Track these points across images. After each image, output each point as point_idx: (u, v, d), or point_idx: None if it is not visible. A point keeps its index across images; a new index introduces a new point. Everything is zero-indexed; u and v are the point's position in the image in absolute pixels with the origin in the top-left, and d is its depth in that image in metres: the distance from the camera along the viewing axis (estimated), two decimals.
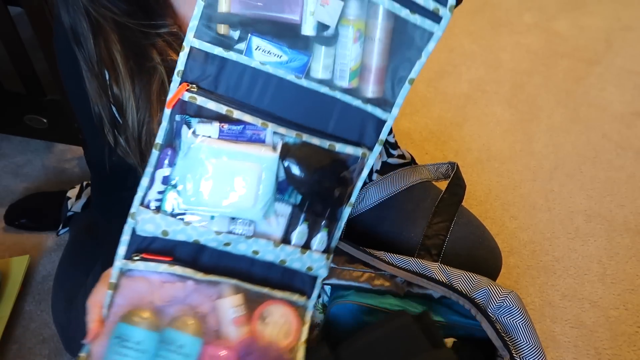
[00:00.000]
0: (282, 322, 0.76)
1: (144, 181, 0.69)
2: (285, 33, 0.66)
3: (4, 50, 1.28)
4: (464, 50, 2.14)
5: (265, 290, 0.75)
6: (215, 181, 0.68)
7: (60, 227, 1.36)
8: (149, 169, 0.69)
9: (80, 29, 0.76)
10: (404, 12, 0.65)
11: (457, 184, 0.99)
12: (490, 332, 0.73)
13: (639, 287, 1.33)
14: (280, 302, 0.76)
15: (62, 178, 1.55)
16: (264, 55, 0.67)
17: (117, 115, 0.80)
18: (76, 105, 0.89)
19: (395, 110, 0.72)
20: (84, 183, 1.38)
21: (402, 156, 1.13)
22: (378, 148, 0.74)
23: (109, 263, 0.72)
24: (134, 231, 0.70)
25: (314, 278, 0.78)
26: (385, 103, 0.71)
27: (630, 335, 1.24)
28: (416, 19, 0.65)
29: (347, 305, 0.83)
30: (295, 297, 0.77)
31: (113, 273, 0.71)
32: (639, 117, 1.83)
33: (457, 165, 1.01)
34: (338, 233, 0.77)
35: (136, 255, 0.71)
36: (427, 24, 0.66)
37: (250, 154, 0.68)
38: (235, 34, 0.66)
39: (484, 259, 0.97)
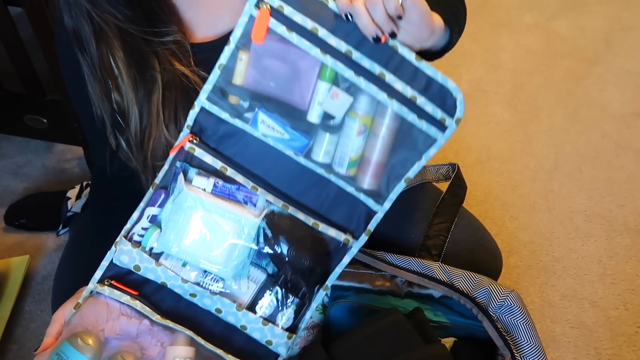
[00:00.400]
0: None
1: (135, 215, 0.73)
2: (291, 114, 0.69)
3: (4, 50, 1.28)
4: (464, 51, 2.14)
5: (219, 352, 0.72)
6: (194, 231, 0.70)
7: (60, 228, 1.36)
8: (141, 205, 0.73)
9: (83, 32, 0.76)
10: (411, 117, 0.66)
11: (458, 185, 0.99)
12: (491, 331, 0.73)
13: (639, 287, 1.33)
14: None
15: (62, 178, 1.55)
16: (267, 129, 0.70)
17: (119, 119, 0.80)
18: (79, 107, 0.89)
19: (387, 205, 0.72)
20: (84, 183, 1.38)
21: None
22: (364, 239, 0.73)
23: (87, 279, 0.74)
24: (112, 259, 0.73)
25: (276, 354, 0.75)
26: (378, 195, 0.72)
27: (630, 335, 1.24)
28: (422, 124, 0.66)
29: (347, 305, 0.83)
30: None
31: (83, 294, 0.73)
32: (639, 118, 1.83)
33: (457, 166, 1.01)
34: (307, 315, 0.74)
35: (107, 281, 0.73)
36: (432, 131, 0.66)
37: (234, 213, 0.70)
38: (245, 103, 0.69)
39: (485, 260, 0.97)
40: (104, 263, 0.73)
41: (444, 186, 1.02)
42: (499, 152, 1.71)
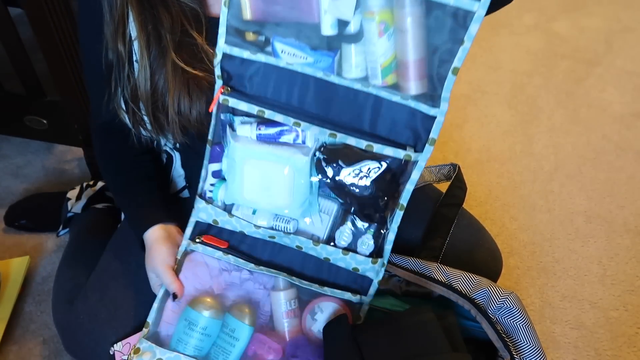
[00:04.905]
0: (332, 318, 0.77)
1: (203, 173, 0.77)
2: (306, 33, 0.65)
3: (3, 51, 1.28)
4: None
5: (315, 287, 0.77)
6: (251, 180, 0.72)
7: (60, 228, 1.35)
8: (205, 162, 0.76)
9: None
10: None
11: (458, 186, 0.99)
12: (490, 333, 0.73)
13: (639, 288, 1.33)
14: (332, 299, 0.77)
15: (62, 179, 1.55)
16: (289, 57, 0.67)
17: (127, 68, 0.80)
18: (87, 56, 0.88)
19: (444, 105, 0.64)
20: (84, 184, 1.38)
21: None
22: (429, 149, 0.67)
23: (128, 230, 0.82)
24: (196, 219, 0.78)
25: (369, 279, 0.77)
26: (431, 98, 0.64)
27: (630, 336, 1.23)
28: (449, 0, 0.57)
29: None
30: (348, 295, 0.77)
31: (180, 250, 0.79)
32: (638, 118, 1.83)
33: (458, 167, 1.01)
34: (390, 236, 0.75)
35: (198, 238, 0.78)
36: (463, 2, 0.57)
37: (281, 155, 0.70)
38: (262, 37, 0.68)
39: (484, 261, 0.96)
40: (192, 220, 0.78)
41: (444, 187, 1.02)
42: (499, 153, 1.71)
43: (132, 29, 0.78)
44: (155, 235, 0.82)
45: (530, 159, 1.69)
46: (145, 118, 0.82)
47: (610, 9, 2.40)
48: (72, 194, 1.36)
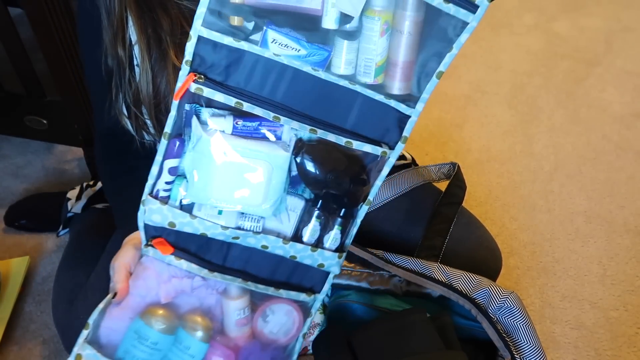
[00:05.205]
0: (284, 321, 0.76)
1: (154, 169, 0.68)
2: (305, 25, 0.62)
3: (4, 51, 1.28)
4: (464, 51, 2.14)
5: (270, 290, 0.74)
6: (224, 176, 0.66)
7: (60, 228, 1.35)
8: (158, 158, 0.68)
9: None
10: (437, 1, 0.60)
11: (458, 185, 0.99)
12: (491, 333, 0.73)
13: (639, 288, 1.33)
14: (284, 301, 0.75)
15: (62, 179, 1.55)
16: (280, 48, 0.63)
17: (127, 73, 0.80)
18: (88, 62, 0.88)
19: (420, 106, 0.67)
20: (84, 184, 1.38)
21: (402, 157, 1.13)
22: (401, 146, 0.69)
23: (125, 233, 0.76)
24: (144, 221, 0.71)
25: (326, 274, 0.76)
26: (409, 98, 0.67)
27: (630, 336, 1.23)
28: (449, 8, 0.60)
29: (347, 305, 0.83)
30: (302, 297, 0.76)
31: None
32: (638, 118, 1.83)
33: (458, 166, 1.01)
34: (353, 231, 0.74)
35: (150, 241, 0.71)
36: (461, 13, 0.60)
37: (261, 151, 0.66)
38: (250, 25, 0.63)
39: (484, 259, 0.97)
40: (140, 224, 0.71)
41: (443, 186, 1.02)
42: (499, 153, 1.71)
43: (132, 34, 0.78)
44: (133, 237, 0.78)
45: (530, 159, 1.69)
46: (148, 122, 0.82)
47: (610, 9, 2.40)
48: (72, 194, 1.36)
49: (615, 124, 1.81)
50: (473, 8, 0.60)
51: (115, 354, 0.70)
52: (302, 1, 0.60)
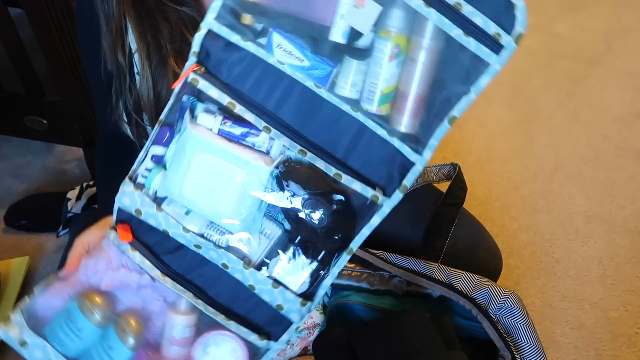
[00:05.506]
0: (227, 358, 0.66)
1: (141, 154, 0.66)
2: (312, 34, 0.59)
3: (3, 51, 1.28)
4: None
5: (220, 317, 0.65)
6: (197, 175, 0.62)
7: (60, 229, 1.35)
8: (147, 143, 0.65)
9: None
10: (455, 32, 0.53)
11: (459, 186, 0.99)
12: (491, 333, 0.73)
13: (639, 289, 1.33)
14: (233, 336, 0.66)
15: (62, 179, 1.55)
16: (284, 55, 0.60)
17: (128, 79, 0.79)
18: (88, 67, 0.88)
19: (427, 154, 0.59)
20: (84, 184, 1.38)
21: None
22: (398, 197, 0.61)
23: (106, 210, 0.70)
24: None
25: (287, 321, 0.65)
26: (416, 140, 0.59)
27: (630, 336, 1.23)
28: (470, 42, 0.53)
29: (347, 305, 0.83)
30: (253, 337, 0.65)
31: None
32: (638, 118, 1.83)
33: (459, 166, 1.01)
34: (326, 281, 0.64)
35: (116, 225, 0.67)
36: (482, 51, 0.54)
37: (242, 158, 0.61)
38: (259, 25, 0.61)
39: (484, 260, 0.97)
40: (115, 206, 0.67)
41: (444, 187, 1.02)
42: (499, 153, 1.71)
43: (132, 42, 0.78)
44: (107, 219, 0.71)
45: (530, 159, 1.69)
46: (149, 128, 0.82)
47: (610, 9, 2.40)
48: (72, 194, 1.36)
49: (615, 124, 1.81)
50: (497, 48, 0.54)
51: (43, 329, 0.66)
52: (312, 7, 0.57)
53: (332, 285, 0.84)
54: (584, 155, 1.70)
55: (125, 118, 0.83)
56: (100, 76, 0.82)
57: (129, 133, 0.85)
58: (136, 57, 0.78)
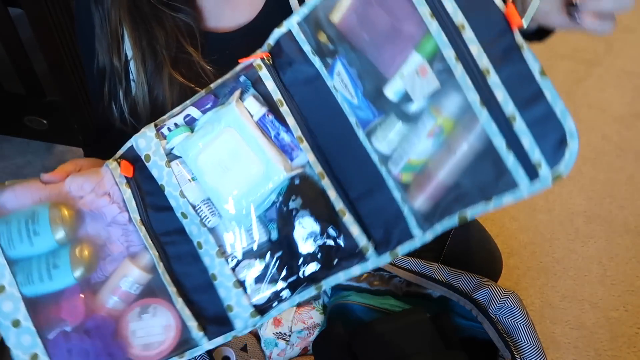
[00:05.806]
0: (156, 332, 0.63)
1: (177, 108, 0.68)
2: (370, 78, 0.59)
3: (3, 51, 1.28)
4: None
5: (173, 291, 0.63)
6: (218, 150, 0.64)
7: None
8: (187, 101, 0.68)
9: None
10: (499, 142, 0.50)
11: None
12: (492, 333, 0.73)
13: (639, 289, 1.33)
14: (173, 313, 0.63)
15: None
16: (340, 84, 0.62)
17: (124, 84, 0.79)
18: (87, 68, 0.87)
19: (428, 235, 0.58)
20: None
21: None
22: (385, 259, 0.61)
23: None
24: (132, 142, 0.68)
25: (230, 327, 0.64)
26: (424, 218, 0.58)
27: (630, 336, 1.23)
28: (509, 158, 0.50)
29: (347, 305, 0.83)
30: (192, 324, 0.62)
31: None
32: (638, 118, 1.84)
33: None
34: (283, 305, 0.63)
35: (120, 159, 0.67)
36: (517, 172, 0.50)
37: (265, 152, 0.63)
38: (331, 46, 0.62)
39: (485, 260, 0.96)
40: (127, 144, 0.67)
41: None
42: None
43: (128, 49, 0.78)
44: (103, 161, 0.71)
45: None
46: None
47: None
48: None
49: (615, 124, 1.82)
50: (533, 175, 0.50)
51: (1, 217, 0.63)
52: (381, 54, 0.58)
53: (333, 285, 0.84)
54: (584, 155, 1.70)
55: (120, 123, 0.83)
56: (97, 79, 0.82)
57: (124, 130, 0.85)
58: (132, 64, 0.78)
